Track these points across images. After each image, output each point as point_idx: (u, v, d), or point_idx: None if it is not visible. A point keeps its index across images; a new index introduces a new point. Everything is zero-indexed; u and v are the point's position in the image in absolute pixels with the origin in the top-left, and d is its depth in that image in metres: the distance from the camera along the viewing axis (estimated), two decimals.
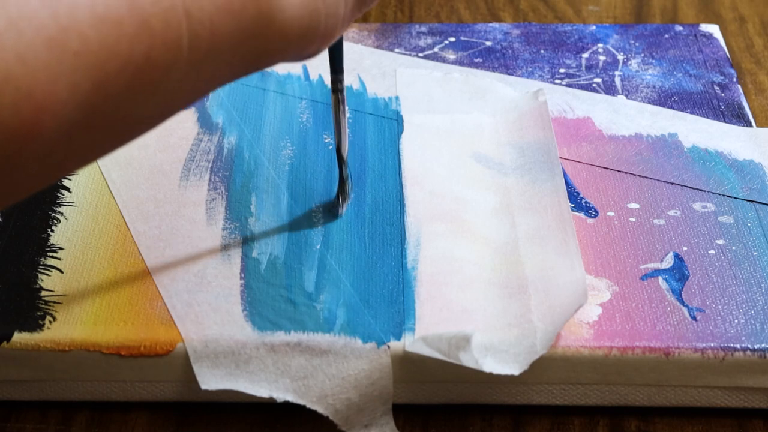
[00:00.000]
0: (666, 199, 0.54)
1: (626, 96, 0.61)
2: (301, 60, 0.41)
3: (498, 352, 0.45)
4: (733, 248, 0.51)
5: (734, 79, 0.62)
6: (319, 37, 0.40)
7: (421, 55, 0.65)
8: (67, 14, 0.32)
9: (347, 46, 0.65)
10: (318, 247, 0.50)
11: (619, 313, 0.47)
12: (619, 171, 0.56)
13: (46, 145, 0.33)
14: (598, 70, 0.63)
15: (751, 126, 0.59)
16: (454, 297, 0.48)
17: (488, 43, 0.66)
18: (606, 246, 0.51)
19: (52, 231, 0.51)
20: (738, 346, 0.46)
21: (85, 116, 0.33)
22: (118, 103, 0.34)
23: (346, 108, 0.51)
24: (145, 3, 0.34)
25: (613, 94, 0.61)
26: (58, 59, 0.32)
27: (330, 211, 0.52)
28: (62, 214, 0.52)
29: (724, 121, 0.59)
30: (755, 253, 0.50)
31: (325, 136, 0.57)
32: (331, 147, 0.57)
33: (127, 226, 0.52)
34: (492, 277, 0.49)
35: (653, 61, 0.64)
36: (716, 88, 0.62)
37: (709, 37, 0.66)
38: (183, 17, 0.35)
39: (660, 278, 0.49)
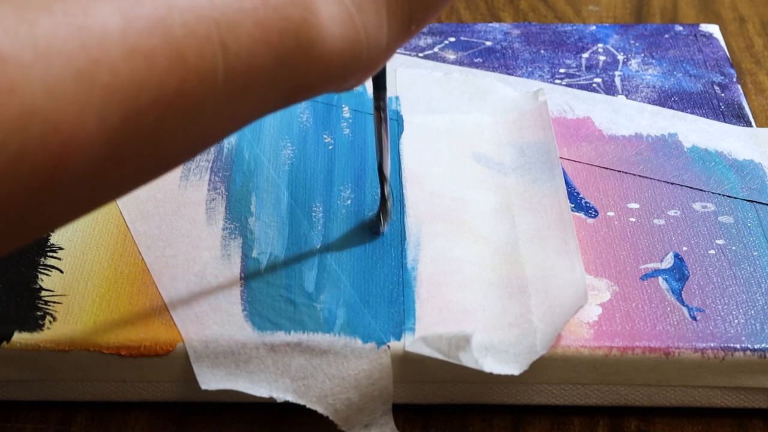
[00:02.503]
0: (666, 199, 0.54)
1: (626, 96, 0.61)
2: (343, 91, 0.40)
3: (498, 352, 0.45)
4: (733, 248, 0.51)
5: (734, 79, 0.62)
6: (361, 69, 0.39)
7: (421, 55, 0.65)
8: (97, 45, 0.31)
9: None
10: (318, 247, 0.50)
11: (619, 313, 0.47)
12: (619, 171, 0.56)
13: (73, 180, 0.32)
14: (598, 70, 0.63)
15: (751, 126, 0.59)
16: (454, 297, 0.48)
17: (488, 43, 0.66)
18: (606, 246, 0.51)
19: (52, 231, 0.51)
20: (738, 346, 0.46)
21: (114, 151, 0.32)
22: (149, 138, 0.33)
23: (389, 126, 0.49)
24: (178, 34, 0.33)
25: (613, 94, 0.61)
26: (86, 92, 0.31)
27: (370, 229, 0.51)
28: None
29: (724, 121, 0.59)
30: (755, 253, 0.50)
31: (325, 136, 0.57)
32: (331, 147, 0.57)
33: (127, 226, 0.52)
34: (492, 277, 0.49)
35: (653, 61, 0.64)
36: (716, 88, 0.62)
37: (709, 37, 0.66)
38: (219, 49, 0.34)
39: (660, 278, 0.49)
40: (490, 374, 0.44)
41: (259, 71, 0.35)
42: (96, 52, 0.31)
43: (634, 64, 0.64)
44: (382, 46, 0.39)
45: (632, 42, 0.66)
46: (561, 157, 0.55)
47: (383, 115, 0.48)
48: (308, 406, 0.45)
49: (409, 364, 0.46)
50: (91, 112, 0.31)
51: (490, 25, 0.68)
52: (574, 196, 0.54)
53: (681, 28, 0.67)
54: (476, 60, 0.64)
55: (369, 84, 0.61)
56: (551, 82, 0.62)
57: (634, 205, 0.53)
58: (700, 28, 0.67)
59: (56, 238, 0.51)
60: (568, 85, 0.62)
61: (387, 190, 0.51)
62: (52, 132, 0.30)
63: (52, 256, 0.50)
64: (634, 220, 0.52)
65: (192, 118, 0.34)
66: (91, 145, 0.31)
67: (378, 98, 0.48)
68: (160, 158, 0.35)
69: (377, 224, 0.51)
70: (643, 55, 0.65)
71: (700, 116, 0.60)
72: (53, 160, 0.31)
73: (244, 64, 0.34)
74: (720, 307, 0.48)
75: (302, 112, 0.59)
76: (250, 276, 0.49)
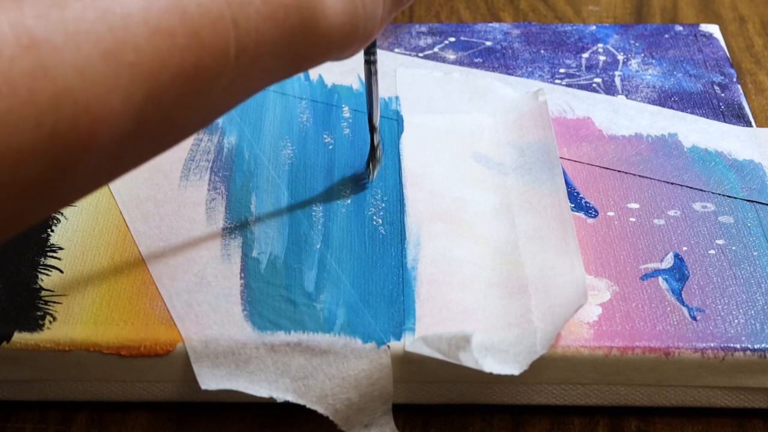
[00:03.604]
0: (666, 199, 0.54)
1: (626, 96, 0.61)
2: (340, 60, 0.42)
3: (498, 352, 0.45)
4: (733, 248, 0.51)
5: (734, 79, 0.62)
6: (358, 40, 0.41)
7: (421, 55, 0.65)
8: (122, 27, 0.33)
9: None
10: (318, 246, 0.50)
11: (619, 313, 0.47)
12: (619, 171, 0.56)
13: (100, 155, 0.33)
14: (598, 70, 0.63)
15: (751, 126, 0.59)
16: (454, 297, 0.48)
17: (488, 43, 0.66)
18: (606, 246, 0.51)
19: (52, 231, 0.51)
20: (738, 346, 0.46)
21: (137, 126, 0.34)
22: (169, 112, 0.35)
23: (378, 79, 0.52)
24: (194, 14, 0.35)
25: (613, 94, 0.61)
26: (114, 72, 0.33)
27: (357, 182, 0.54)
28: (62, 214, 0.52)
29: (724, 121, 0.59)
30: (755, 253, 0.50)
31: (325, 136, 0.57)
32: (331, 147, 0.57)
33: (127, 226, 0.52)
34: (492, 277, 0.49)
35: (653, 61, 0.64)
36: (716, 88, 0.62)
37: (709, 37, 0.66)
38: (231, 27, 0.36)
39: (660, 278, 0.49)
40: (490, 374, 0.44)
41: (267, 46, 0.37)
42: (121, 33, 0.33)
43: (634, 64, 0.64)
44: (377, 18, 0.42)
45: (632, 42, 0.66)
46: (561, 157, 0.55)
47: (373, 69, 0.52)
48: (308, 406, 0.45)
49: (409, 364, 0.46)
50: (118, 91, 0.33)
51: (490, 25, 0.68)
52: (574, 196, 0.54)
53: (681, 28, 0.67)
54: (476, 60, 0.64)
55: None
56: (551, 82, 0.62)
57: (634, 205, 0.53)
58: (700, 28, 0.67)
59: (56, 238, 0.51)
60: (568, 85, 0.62)
61: (377, 138, 0.53)
62: (83, 111, 0.32)
63: (52, 256, 0.50)
64: (634, 220, 0.52)
65: (207, 91, 0.36)
66: (117, 121, 0.33)
67: (368, 53, 0.51)
68: (178, 130, 0.37)
69: (366, 173, 0.54)
70: (643, 55, 0.65)
71: (700, 116, 0.60)
72: (84, 137, 0.32)
73: (254, 40, 0.37)
74: (720, 307, 0.48)
75: (302, 112, 0.59)
76: (250, 276, 0.49)
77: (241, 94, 0.39)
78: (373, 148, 0.54)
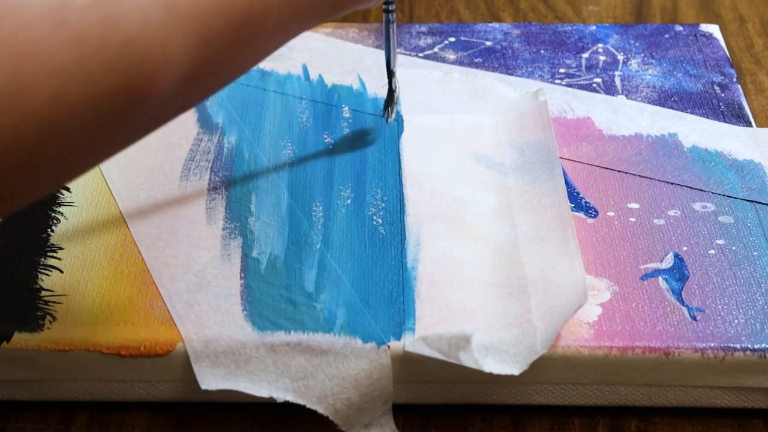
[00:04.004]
0: (666, 199, 0.54)
1: (626, 96, 0.61)
2: (369, 6, 0.47)
3: (498, 352, 0.45)
4: (733, 248, 0.51)
5: (734, 79, 0.62)
6: None
7: (421, 55, 0.65)
8: None
9: (347, 46, 0.65)
10: (318, 247, 0.50)
11: (619, 313, 0.47)
12: (619, 171, 0.56)
13: (160, 99, 0.36)
14: (598, 70, 0.63)
15: (751, 126, 0.59)
16: (454, 297, 0.48)
17: (488, 43, 0.66)
18: (606, 246, 0.51)
19: (52, 231, 0.51)
20: (738, 346, 0.46)
21: (193, 71, 0.37)
22: (221, 58, 0.38)
23: (395, 26, 0.55)
24: None
25: (613, 94, 0.61)
26: (173, 21, 0.35)
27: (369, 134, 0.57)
28: (62, 214, 0.52)
29: (724, 121, 0.59)
30: (755, 253, 0.50)
31: (325, 136, 0.57)
32: (331, 147, 0.57)
33: (127, 226, 0.52)
34: (492, 277, 0.49)
35: (653, 61, 0.64)
36: (716, 88, 0.62)
37: (709, 37, 0.66)
38: None
39: (660, 278, 0.49)
40: (490, 374, 0.44)
41: None
42: None
43: (634, 64, 0.64)
44: None
45: (632, 42, 0.66)
46: (561, 157, 0.55)
47: (392, 17, 0.54)
48: (308, 406, 0.45)
49: (409, 364, 0.46)
50: (177, 39, 0.35)
51: (490, 25, 0.68)
52: (574, 196, 0.54)
53: (681, 28, 0.67)
54: (476, 60, 0.64)
55: (369, 84, 0.61)
56: (551, 82, 0.62)
57: (634, 205, 0.53)
58: (700, 28, 0.67)
59: (56, 238, 0.51)
60: (568, 85, 0.62)
61: (395, 83, 0.56)
62: (147, 58, 0.34)
63: (52, 256, 0.50)
64: (634, 220, 0.52)
65: (254, 37, 0.39)
66: (176, 67, 0.36)
67: (387, 2, 0.54)
68: (227, 74, 0.40)
69: (384, 117, 0.57)
70: (643, 55, 0.65)
71: (700, 116, 0.60)
72: (147, 83, 0.35)
73: None
74: (720, 307, 0.48)
75: (302, 112, 0.59)
76: (250, 276, 0.49)
77: (282, 40, 0.42)
78: (390, 92, 0.56)
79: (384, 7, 0.54)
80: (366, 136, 0.57)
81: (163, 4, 0.35)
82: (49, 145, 0.34)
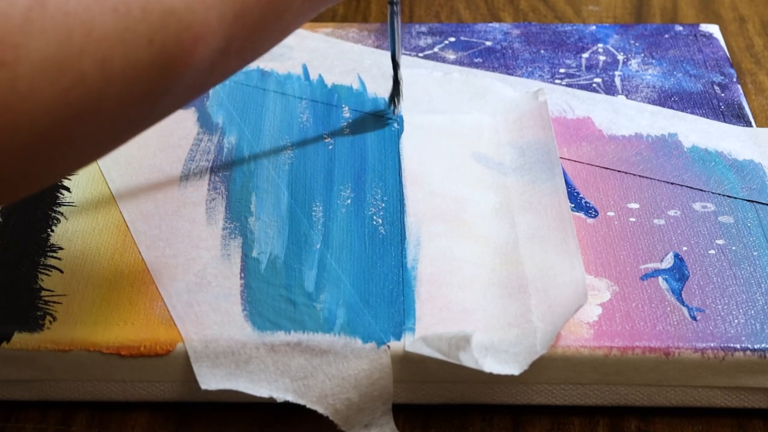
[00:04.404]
0: (666, 199, 0.54)
1: (626, 96, 0.61)
2: None
3: (498, 352, 0.45)
4: (733, 248, 0.51)
5: (734, 79, 0.62)
6: None
7: (421, 55, 0.65)
8: None
9: (347, 46, 0.65)
10: (318, 246, 0.50)
11: (619, 313, 0.47)
12: (619, 171, 0.56)
13: (197, 70, 0.37)
14: (598, 70, 0.63)
15: (751, 126, 0.59)
16: (454, 297, 0.48)
17: (488, 43, 0.66)
18: (606, 246, 0.51)
19: (52, 231, 0.51)
20: (738, 346, 0.46)
21: (227, 43, 0.38)
22: (252, 31, 0.39)
23: (399, 17, 0.56)
24: None
25: (613, 94, 0.61)
26: None
27: (381, 119, 0.58)
28: (62, 214, 0.52)
29: (724, 121, 0.59)
30: (755, 253, 0.50)
31: (324, 136, 0.57)
32: (331, 147, 0.57)
33: (127, 226, 0.52)
34: (492, 277, 0.49)
35: (653, 61, 0.64)
36: (716, 88, 0.62)
37: (709, 37, 0.66)
38: None
39: (660, 278, 0.49)
40: (490, 374, 0.44)
41: None
42: None
43: (634, 64, 0.64)
44: None
45: (632, 42, 0.66)
46: (561, 157, 0.55)
47: (396, 9, 0.56)
48: (308, 406, 0.45)
49: (409, 364, 0.46)
50: (213, 11, 0.36)
51: (490, 25, 0.68)
52: (574, 196, 0.54)
53: (681, 28, 0.67)
54: (476, 60, 0.64)
55: (369, 84, 0.61)
56: (551, 82, 0.62)
57: (634, 205, 0.53)
58: (700, 28, 0.67)
59: (56, 238, 0.51)
60: (568, 85, 0.62)
61: (399, 74, 0.58)
62: (186, 28, 0.35)
63: (52, 256, 0.50)
64: (634, 220, 0.52)
65: (283, 12, 0.41)
66: (213, 38, 0.37)
67: None
68: (256, 48, 0.41)
69: (391, 108, 0.58)
70: (643, 55, 0.65)
71: (700, 116, 0.60)
72: (187, 53, 0.36)
73: None
74: (720, 307, 0.48)
75: (302, 112, 0.59)
76: (250, 276, 0.49)
77: (307, 17, 0.43)
78: (396, 83, 0.58)
79: (389, 0, 0.56)
80: (384, 115, 0.59)
81: None
82: (95, 113, 0.35)
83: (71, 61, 0.33)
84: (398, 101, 0.58)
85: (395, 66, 0.57)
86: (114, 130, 0.37)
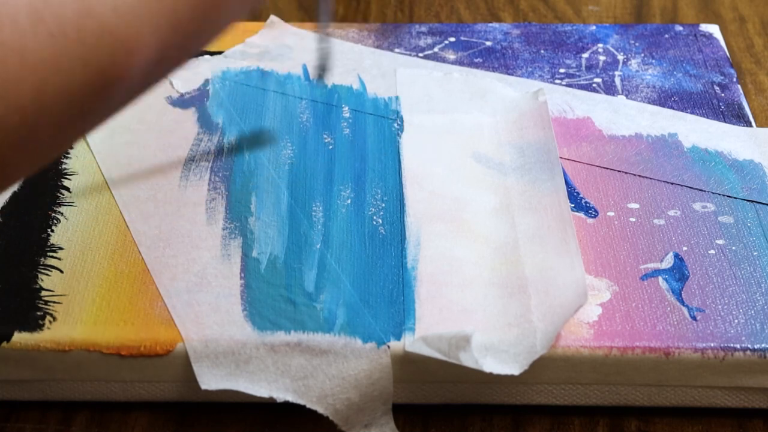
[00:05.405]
0: (666, 199, 0.54)
1: (626, 96, 0.61)
2: None
3: (498, 352, 0.45)
4: (733, 248, 0.51)
5: (734, 79, 0.62)
6: None
7: (421, 55, 0.64)
8: None
9: (347, 46, 0.65)
10: (318, 247, 0.50)
11: (619, 313, 0.47)
12: (619, 171, 0.56)
13: (131, 82, 0.37)
14: (598, 70, 0.63)
15: (751, 126, 0.59)
16: (454, 297, 0.48)
17: (488, 43, 0.66)
18: (606, 246, 0.51)
19: (52, 231, 0.51)
20: (738, 346, 0.46)
21: (162, 54, 0.38)
22: (187, 38, 0.39)
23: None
24: None
25: (613, 94, 0.61)
26: (144, 7, 0.36)
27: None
28: (62, 214, 0.52)
29: (724, 121, 0.59)
30: (755, 253, 0.50)
31: (325, 136, 0.57)
32: (331, 147, 0.57)
33: (127, 226, 0.52)
34: (492, 277, 0.49)
35: (653, 61, 0.64)
36: (716, 88, 0.62)
37: (709, 37, 0.66)
38: None
39: (660, 278, 0.49)
40: (490, 374, 0.44)
41: None
42: None
43: (634, 64, 0.64)
44: None
45: (632, 42, 0.66)
46: (561, 157, 0.55)
47: None
48: (308, 406, 0.45)
49: (409, 364, 0.46)
50: (149, 25, 0.36)
51: (490, 25, 0.68)
52: (574, 196, 0.54)
53: (681, 28, 0.67)
54: (476, 60, 0.64)
55: (369, 84, 0.61)
56: (551, 82, 0.62)
57: (634, 205, 0.53)
58: (700, 28, 0.67)
59: (56, 238, 0.51)
60: (568, 85, 0.62)
61: (327, 45, 0.56)
62: (120, 45, 0.35)
63: (52, 256, 0.50)
64: (634, 220, 0.52)
65: (219, 16, 0.40)
66: (147, 51, 0.37)
67: None
68: (191, 53, 0.41)
69: (318, 75, 0.57)
70: (643, 55, 0.65)
71: (700, 116, 0.60)
72: (121, 69, 0.36)
73: None
74: (720, 307, 0.48)
75: (302, 112, 0.59)
76: (250, 276, 0.49)
77: (240, 16, 0.43)
78: (323, 53, 0.56)
79: None
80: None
81: None
82: (29, 138, 0.34)
83: (8, 89, 0.33)
84: (324, 72, 0.56)
85: (323, 38, 0.56)
86: (50, 148, 0.37)
